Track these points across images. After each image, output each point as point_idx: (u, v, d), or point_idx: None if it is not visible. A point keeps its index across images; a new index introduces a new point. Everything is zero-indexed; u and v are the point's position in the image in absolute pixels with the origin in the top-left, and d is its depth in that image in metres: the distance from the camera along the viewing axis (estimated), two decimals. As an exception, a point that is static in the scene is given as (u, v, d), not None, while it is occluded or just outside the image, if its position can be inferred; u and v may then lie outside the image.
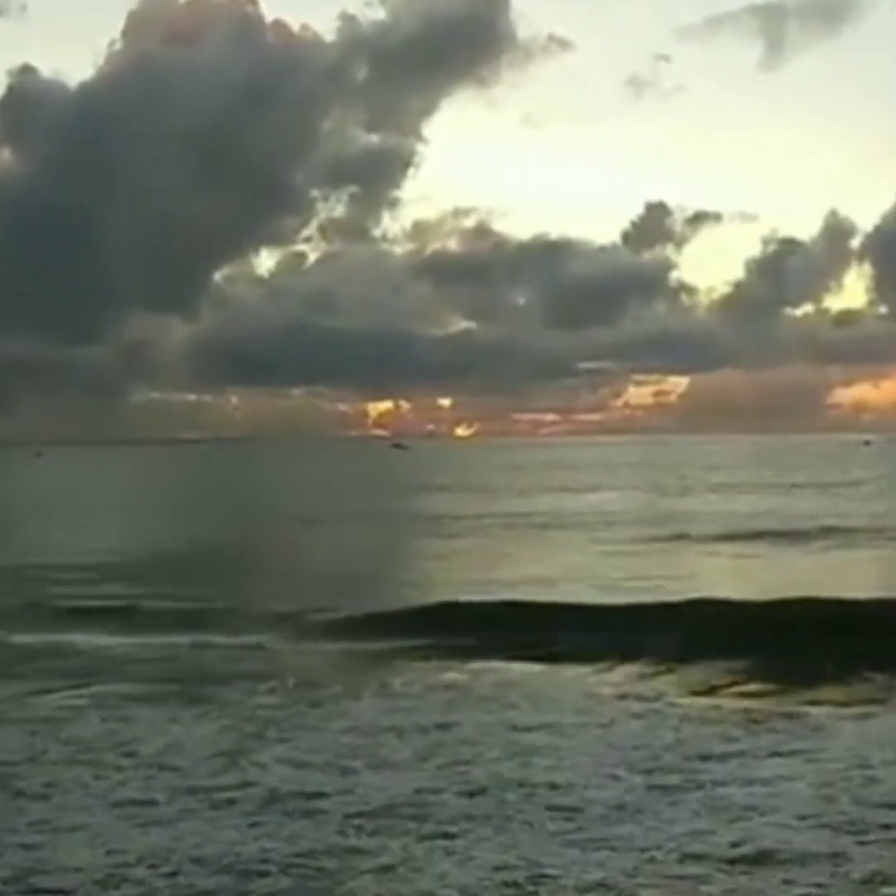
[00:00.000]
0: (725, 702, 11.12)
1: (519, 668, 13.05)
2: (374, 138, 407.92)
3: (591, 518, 34.09)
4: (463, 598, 16.60)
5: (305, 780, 8.38)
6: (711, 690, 11.65)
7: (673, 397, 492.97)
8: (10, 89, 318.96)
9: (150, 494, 59.16)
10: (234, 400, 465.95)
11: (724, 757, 8.78)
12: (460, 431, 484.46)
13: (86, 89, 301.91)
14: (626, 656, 13.19)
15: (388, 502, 45.74)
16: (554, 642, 13.76)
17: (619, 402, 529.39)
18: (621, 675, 12.59)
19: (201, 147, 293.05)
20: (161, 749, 9.37)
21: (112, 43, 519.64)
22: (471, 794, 7.97)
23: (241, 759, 8.95)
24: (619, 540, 26.23)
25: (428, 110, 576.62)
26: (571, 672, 12.72)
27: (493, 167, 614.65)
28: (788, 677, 11.91)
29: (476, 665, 13.05)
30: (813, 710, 10.51)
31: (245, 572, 23.10)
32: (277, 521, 35.93)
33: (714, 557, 23.93)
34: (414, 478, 71.11)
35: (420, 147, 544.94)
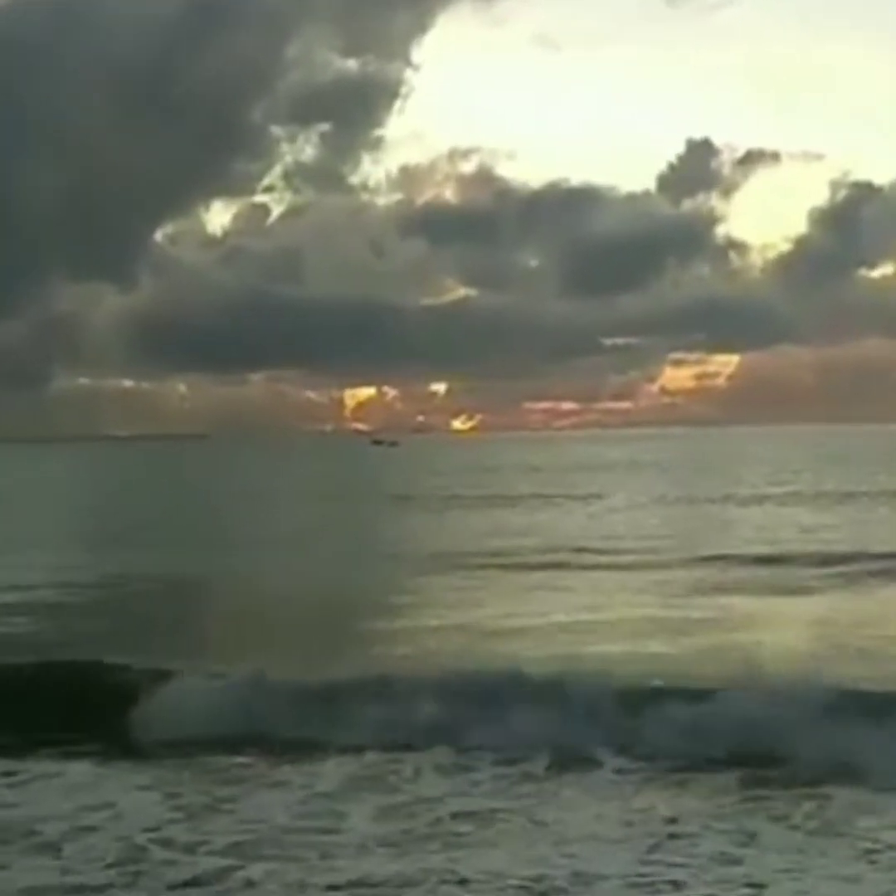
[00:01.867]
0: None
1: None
2: (351, 65, 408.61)
3: (596, 542, 32.44)
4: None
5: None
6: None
7: (719, 380, 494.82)
8: None
9: (66, 509, 57.25)
10: (181, 388, 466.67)
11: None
12: (458, 424, 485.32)
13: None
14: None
15: (344, 521, 44.97)
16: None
17: (653, 387, 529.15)
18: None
19: (138, 80, 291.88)
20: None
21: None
22: None
23: None
24: (625, 586, 24.24)
25: (418, 30, 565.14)
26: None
27: (498, 98, 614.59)
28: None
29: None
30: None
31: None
32: (198, 549, 34.04)
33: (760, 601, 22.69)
34: (392, 483, 70.15)
35: (408, 75, 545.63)
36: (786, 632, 19.07)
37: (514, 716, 12.51)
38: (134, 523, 42.11)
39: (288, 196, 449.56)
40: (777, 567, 26.29)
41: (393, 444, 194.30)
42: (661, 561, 27.73)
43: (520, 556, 29.22)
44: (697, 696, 12.65)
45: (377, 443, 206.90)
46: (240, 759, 12.21)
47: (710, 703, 12.47)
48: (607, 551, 29.74)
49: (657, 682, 13.47)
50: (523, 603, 22.32)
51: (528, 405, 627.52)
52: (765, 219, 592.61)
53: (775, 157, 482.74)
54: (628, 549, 30.49)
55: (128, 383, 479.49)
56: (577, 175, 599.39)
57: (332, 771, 11.75)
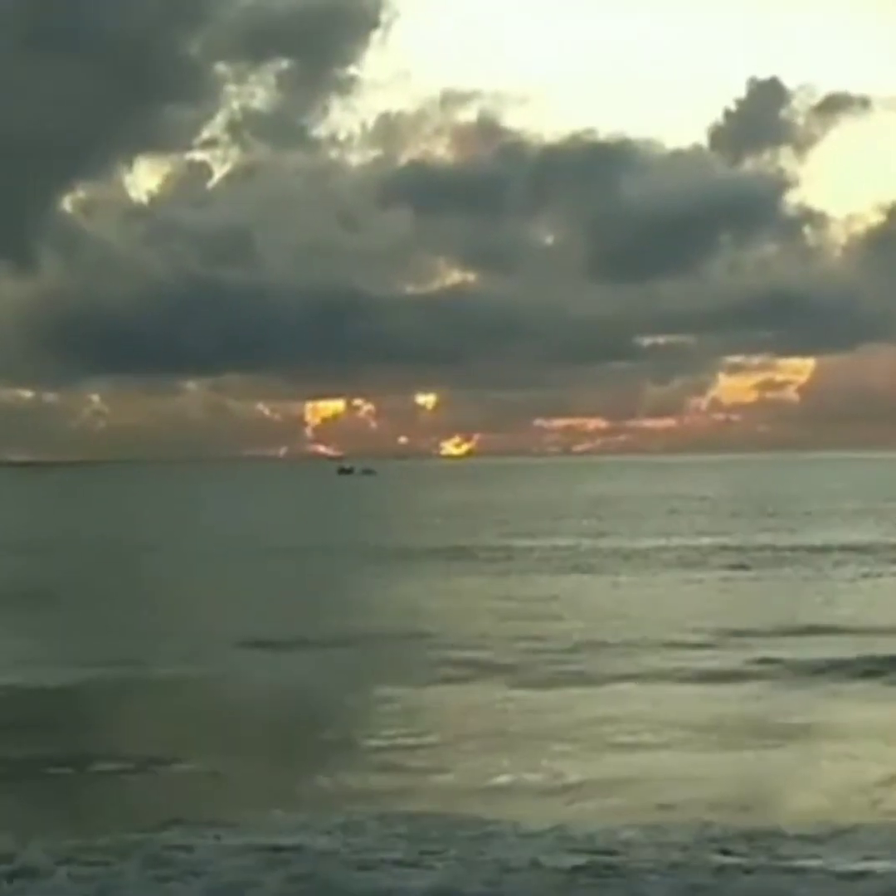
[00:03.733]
0: None
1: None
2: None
3: (621, 630, 31.06)
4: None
5: None
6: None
7: (789, 392, 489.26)
8: None
9: None
10: (95, 400, 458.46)
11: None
12: (451, 447, 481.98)
13: None
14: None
15: (293, 589, 43.48)
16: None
17: (703, 401, 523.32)
18: None
19: (39, 5, 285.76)
20: None
21: None
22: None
23: None
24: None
25: None
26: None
27: (505, 29, 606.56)
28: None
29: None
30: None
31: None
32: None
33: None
34: (364, 529, 68.86)
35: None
36: None
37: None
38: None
39: (234, 153, 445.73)
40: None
41: (368, 472, 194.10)
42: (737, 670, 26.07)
43: (548, 654, 28.38)
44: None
45: (345, 471, 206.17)
46: None
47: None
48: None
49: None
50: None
51: (541, 423, 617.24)
52: (849, 182, 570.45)
53: (864, 103, 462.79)
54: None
55: (26, 393, 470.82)
56: (607, 126, 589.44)
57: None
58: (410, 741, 19.75)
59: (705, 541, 57.70)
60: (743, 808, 15.98)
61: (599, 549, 55.07)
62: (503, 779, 17.61)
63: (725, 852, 13.65)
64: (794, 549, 52.48)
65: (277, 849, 13.85)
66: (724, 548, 53.85)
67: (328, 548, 57.16)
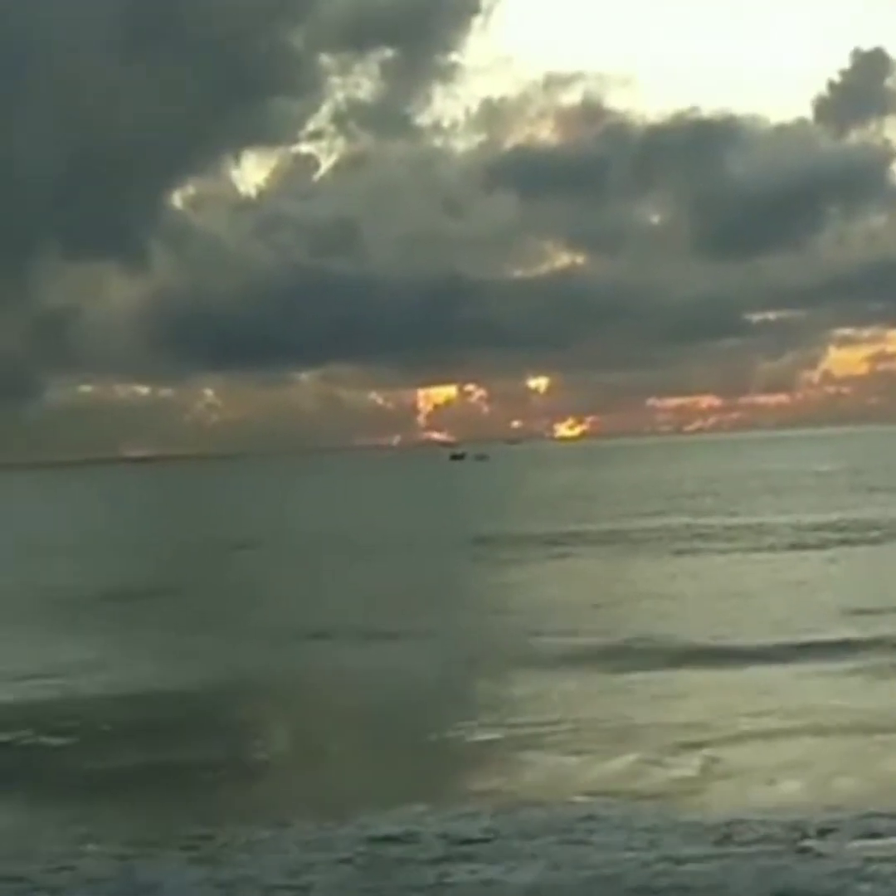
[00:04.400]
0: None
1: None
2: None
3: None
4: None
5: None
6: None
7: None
8: None
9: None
10: (208, 393, 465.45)
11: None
12: (565, 429, 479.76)
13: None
14: None
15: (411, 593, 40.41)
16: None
17: (814, 374, 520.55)
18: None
19: (147, 6, 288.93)
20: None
21: None
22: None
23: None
24: None
25: None
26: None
27: (608, 10, 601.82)
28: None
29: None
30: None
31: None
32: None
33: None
34: (477, 519, 65.72)
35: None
36: None
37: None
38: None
39: (340, 144, 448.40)
40: None
41: (481, 457, 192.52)
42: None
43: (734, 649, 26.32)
44: None
45: (457, 457, 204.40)
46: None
47: None
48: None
49: None
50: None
51: (653, 402, 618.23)
52: None
53: None
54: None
55: (142, 389, 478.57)
56: (711, 103, 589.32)
57: None
58: (531, 730, 19.43)
59: (834, 516, 56.13)
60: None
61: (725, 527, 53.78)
62: (619, 765, 17.29)
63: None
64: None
65: (388, 839, 14.08)
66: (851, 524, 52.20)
67: (437, 537, 55.99)
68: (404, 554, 49.67)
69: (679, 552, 46.14)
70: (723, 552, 45.66)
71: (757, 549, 45.88)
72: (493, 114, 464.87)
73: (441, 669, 25.07)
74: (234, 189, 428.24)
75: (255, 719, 22.91)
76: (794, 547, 46.07)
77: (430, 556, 48.97)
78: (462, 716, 20.76)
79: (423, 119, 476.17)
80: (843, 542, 46.38)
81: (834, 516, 55.69)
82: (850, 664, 23.51)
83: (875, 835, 13.54)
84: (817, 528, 51.33)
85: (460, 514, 71.84)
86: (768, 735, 18.70)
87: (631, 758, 17.46)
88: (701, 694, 21.90)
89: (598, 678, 23.43)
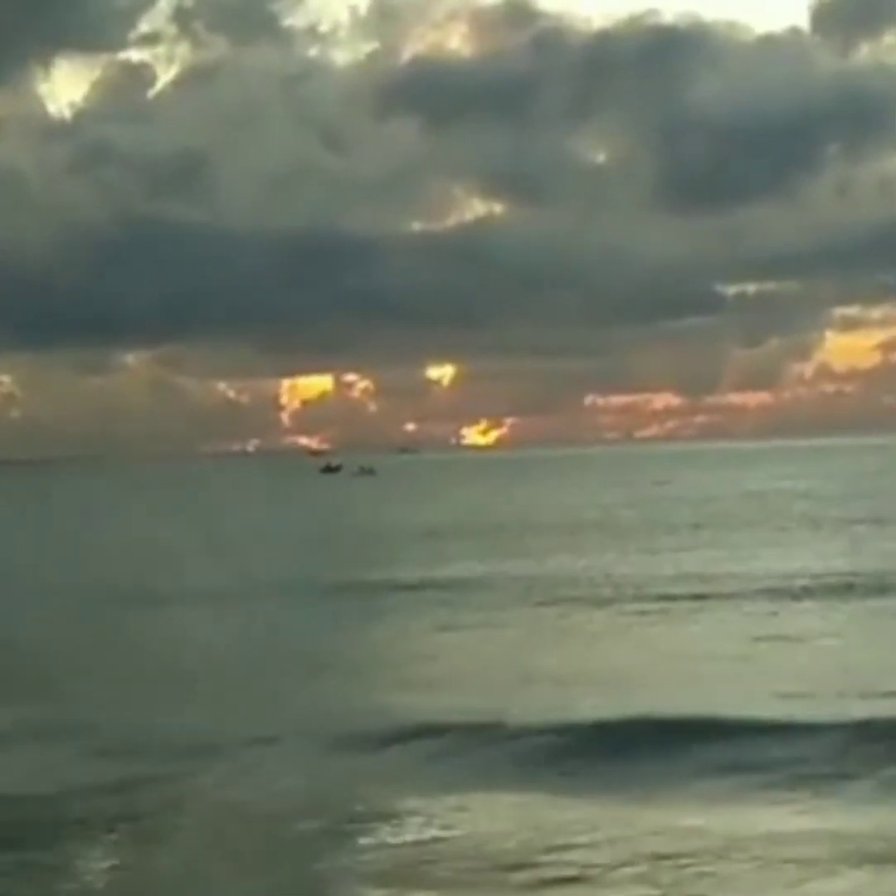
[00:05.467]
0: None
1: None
2: None
3: None
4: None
5: None
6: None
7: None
8: None
9: None
10: (6, 380, 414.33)
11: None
12: (476, 435, 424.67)
13: None
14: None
15: None
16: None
17: (808, 367, 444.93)
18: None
19: None
20: None
21: None
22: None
23: None
24: None
25: None
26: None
27: None
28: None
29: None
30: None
31: None
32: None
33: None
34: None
35: None
36: None
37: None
38: None
39: (183, 50, 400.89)
40: None
41: (367, 471, 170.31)
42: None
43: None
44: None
45: (331, 469, 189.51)
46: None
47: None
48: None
49: None
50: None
51: (594, 400, 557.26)
52: None
53: None
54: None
55: None
56: (675, 5, 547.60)
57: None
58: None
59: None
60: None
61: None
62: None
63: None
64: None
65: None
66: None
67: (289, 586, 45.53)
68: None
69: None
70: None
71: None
72: (387, 15, 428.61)
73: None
74: (43, 108, 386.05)
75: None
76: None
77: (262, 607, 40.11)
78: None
79: (294, 20, 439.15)
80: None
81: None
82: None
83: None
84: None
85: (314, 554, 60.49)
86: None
87: None
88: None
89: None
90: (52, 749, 23.45)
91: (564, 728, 23.33)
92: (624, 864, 16.79)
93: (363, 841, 18.52)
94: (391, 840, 18.36)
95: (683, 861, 16.88)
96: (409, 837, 18.43)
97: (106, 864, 18.52)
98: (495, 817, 19.36)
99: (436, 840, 18.35)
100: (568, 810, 19.18)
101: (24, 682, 29.17)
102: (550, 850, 17.37)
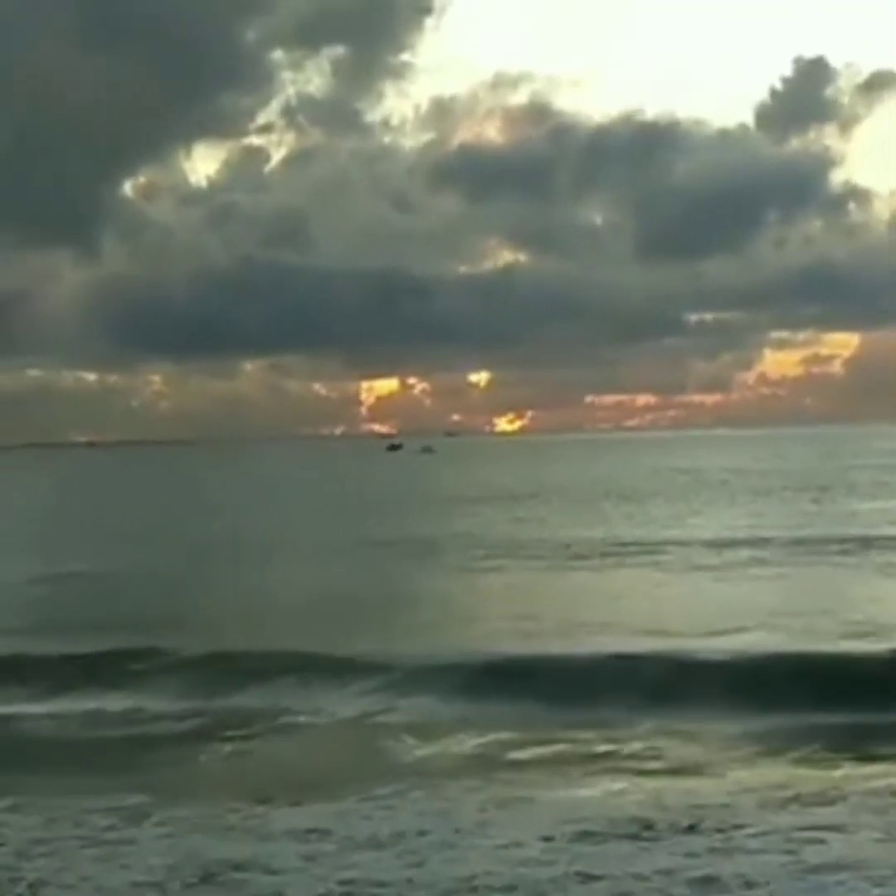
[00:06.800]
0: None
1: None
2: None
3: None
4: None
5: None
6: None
7: (835, 366, 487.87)
8: None
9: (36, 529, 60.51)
10: (156, 380, 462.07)
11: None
12: (504, 423, 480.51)
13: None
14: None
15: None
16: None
17: (751, 376, 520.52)
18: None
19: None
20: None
21: None
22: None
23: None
24: None
25: None
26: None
27: (557, 13, 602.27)
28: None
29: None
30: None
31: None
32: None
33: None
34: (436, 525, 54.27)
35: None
36: None
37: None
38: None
39: (290, 138, 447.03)
40: None
41: (427, 450, 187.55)
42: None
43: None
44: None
45: (394, 447, 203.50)
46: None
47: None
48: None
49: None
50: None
51: (592, 399, 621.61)
52: (894, 159, 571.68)
53: None
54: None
55: (89, 376, 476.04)
56: (656, 106, 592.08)
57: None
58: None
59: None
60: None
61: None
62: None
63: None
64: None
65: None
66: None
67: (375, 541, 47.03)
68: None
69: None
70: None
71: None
72: (441, 112, 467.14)
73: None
74: (186, 179, 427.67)
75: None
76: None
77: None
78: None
79: (372, 116, 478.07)
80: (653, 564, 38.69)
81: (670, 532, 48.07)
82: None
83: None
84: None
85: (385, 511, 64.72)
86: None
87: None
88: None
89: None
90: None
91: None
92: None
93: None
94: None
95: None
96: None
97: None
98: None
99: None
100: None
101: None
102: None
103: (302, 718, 19.90)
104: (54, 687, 22.05)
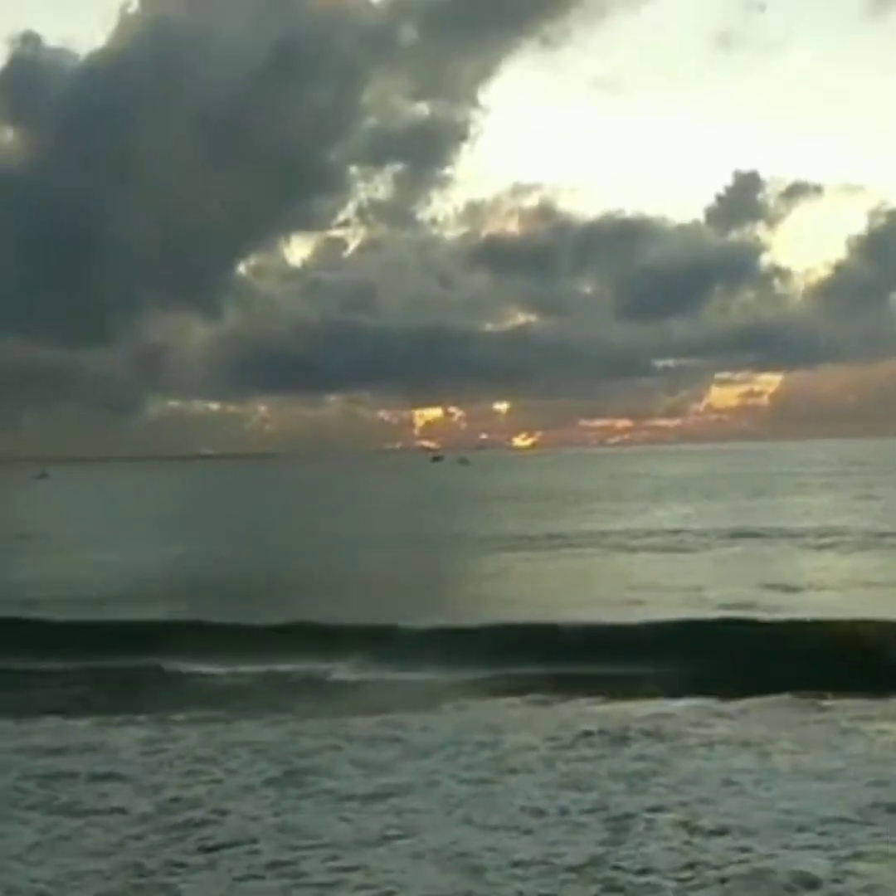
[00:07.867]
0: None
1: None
2: (423, 108, 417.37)
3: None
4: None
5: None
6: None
7: (763, 399, 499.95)
8: (12, 60, 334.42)
9: (180, 517, 61.81)
10: (262, 409, 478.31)
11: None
12: (519, 441, 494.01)
13: (95, 60, 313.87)
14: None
15: None
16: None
17: (702, 406, 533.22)
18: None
19: (225, 123, 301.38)
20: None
21: (126, 5, 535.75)
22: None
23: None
24: None
25: (485, 75, 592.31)
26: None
27: (559, 137, 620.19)
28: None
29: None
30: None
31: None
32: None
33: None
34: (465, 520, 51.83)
35: (476, 116, 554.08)
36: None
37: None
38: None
39: (363, 231, 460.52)
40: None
41: (463, 461, 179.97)
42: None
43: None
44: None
45: (437, 459, 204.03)
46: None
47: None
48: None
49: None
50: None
51: (585, 422, 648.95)
52: (807, 247, 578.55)
53: (818, 189, 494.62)
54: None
55: (213, 406, 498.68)
56: (632, 207, 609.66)
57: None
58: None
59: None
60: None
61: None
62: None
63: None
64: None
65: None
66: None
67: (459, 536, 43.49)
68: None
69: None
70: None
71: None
72: (474, 212, 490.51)
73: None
74: (285, 262, 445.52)
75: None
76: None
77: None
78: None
79: (423, 215, 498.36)
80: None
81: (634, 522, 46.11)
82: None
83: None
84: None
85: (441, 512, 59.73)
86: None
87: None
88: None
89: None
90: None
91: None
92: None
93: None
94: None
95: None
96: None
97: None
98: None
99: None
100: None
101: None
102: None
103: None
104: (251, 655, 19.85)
